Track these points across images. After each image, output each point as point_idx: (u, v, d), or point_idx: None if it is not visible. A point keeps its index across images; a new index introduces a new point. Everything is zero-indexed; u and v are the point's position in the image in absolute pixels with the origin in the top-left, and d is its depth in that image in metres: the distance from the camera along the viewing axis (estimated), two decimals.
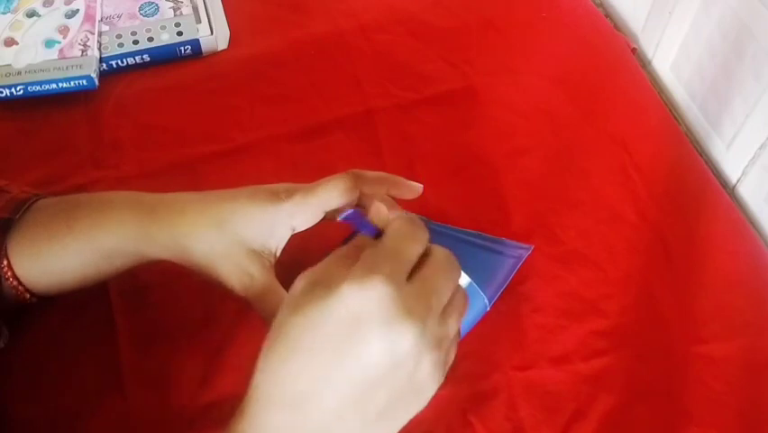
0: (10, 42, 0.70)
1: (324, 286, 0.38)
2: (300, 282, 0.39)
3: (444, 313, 0.39)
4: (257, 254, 0.49)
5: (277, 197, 0.49)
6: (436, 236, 0.51)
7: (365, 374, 0.37)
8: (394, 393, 0.37)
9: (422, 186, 0.52)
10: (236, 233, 0.48)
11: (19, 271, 0.48)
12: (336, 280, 0.37)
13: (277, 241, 0.50)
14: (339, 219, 0.37)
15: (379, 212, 0.41)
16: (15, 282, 0.49)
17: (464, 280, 0.51)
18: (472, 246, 0.57)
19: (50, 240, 0.49)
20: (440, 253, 0.40)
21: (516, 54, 0.74)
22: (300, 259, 0.51)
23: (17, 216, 0.49)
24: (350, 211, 0.39)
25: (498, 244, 0.58)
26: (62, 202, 0.51)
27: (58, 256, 0.49)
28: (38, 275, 0.49)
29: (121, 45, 0.72)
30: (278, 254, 0.50)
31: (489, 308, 0.55)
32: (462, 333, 0.51)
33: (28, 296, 0.50)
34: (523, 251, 0.59)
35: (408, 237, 0.40)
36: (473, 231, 0.59)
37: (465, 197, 0.64)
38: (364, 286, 0.36)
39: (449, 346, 0.40)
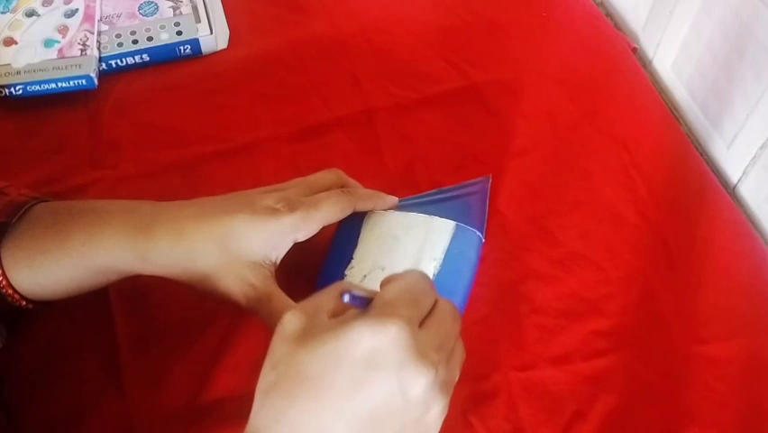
0: (9, 42, 0.70)
1: (322, 321, 0.39)
2: (294, 318, 0.39)
3: (450, 361, 0.40)
4: (258, 265, 0.49)
5: (277, 211, 0.49)
6: (412, 208, 0.56)
7: (375, 414, 0.37)
8: (401, 432, 0.38)
9: (397, 199, 0.57)
10: (238, 248, 0.48)
11: (13, 280, 0.48)
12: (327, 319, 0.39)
13: (278, 252, 0.50)
14: (345, 302, 0.39)
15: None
16: (11, 291, 0.48)
17: (450, 225, 0.56)
18: (443, 201, 0.59)
19: (43, 255, 0.48)
20: (445, 304, 0.42)
21: (517, 54, 0.74)
22: (296, 258, 0.52)
23: (13, 221, 0.48)
24: (348, 296, 0.40)
25: (461, 188, 0.61)
26: (57, 212, 0.50)
27: (51, 270, 0.48)
28: (32, 285, 0.49)
29: (120, 45, 0.71)
30: (278, 263, 0.51)
31: (483, 240, 0.57)
32: (471, 270, 0.55)
33: (24, 303, 0.49)
34: (483, 182, 0.62)
35: (425, 289, 0.41)
36: (434, 190, 0.61)
37: None
38: (381, 328, 0.37)
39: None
